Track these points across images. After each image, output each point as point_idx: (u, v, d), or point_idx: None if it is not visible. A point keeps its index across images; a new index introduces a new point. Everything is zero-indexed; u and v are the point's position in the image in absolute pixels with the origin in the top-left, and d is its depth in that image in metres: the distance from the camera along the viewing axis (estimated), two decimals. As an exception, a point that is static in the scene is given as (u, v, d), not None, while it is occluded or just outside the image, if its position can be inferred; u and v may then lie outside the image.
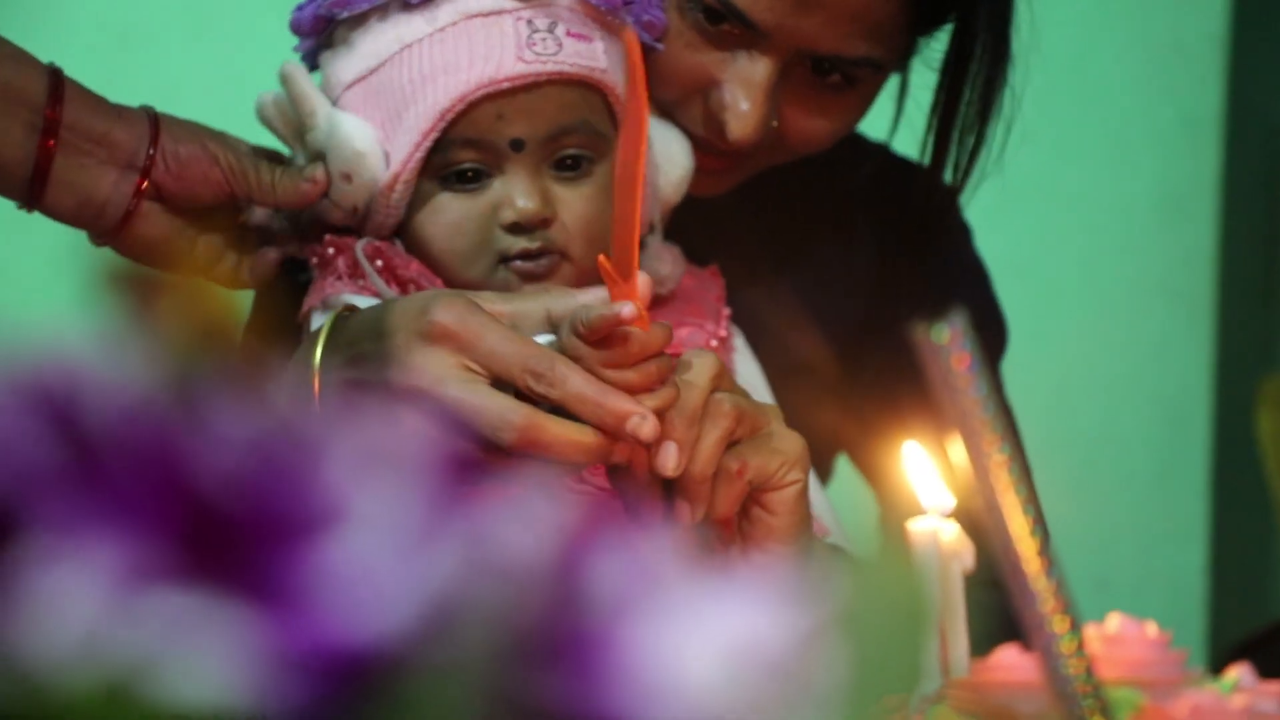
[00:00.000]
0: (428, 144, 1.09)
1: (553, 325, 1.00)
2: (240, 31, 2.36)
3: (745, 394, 1.02)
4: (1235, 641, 2.09)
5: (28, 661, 0.29)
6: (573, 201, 1.11)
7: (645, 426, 0.92)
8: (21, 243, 2.34)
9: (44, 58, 1.19)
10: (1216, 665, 1.15)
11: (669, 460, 0.94)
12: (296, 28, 1.15)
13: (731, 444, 0.98)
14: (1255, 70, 2.70)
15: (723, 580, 0.31)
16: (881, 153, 1.36)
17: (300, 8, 1.15)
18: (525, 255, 1.10)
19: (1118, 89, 2.65)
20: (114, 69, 2.42)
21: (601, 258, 0.94)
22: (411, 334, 0.95)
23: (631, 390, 0.93)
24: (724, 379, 0.99)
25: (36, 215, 1.13)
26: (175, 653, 0.30)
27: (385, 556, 0.31)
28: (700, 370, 0.97)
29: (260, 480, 0.31)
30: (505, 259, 1.11)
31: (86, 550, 0.30)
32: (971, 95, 1.23)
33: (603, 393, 0.93)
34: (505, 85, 1.09)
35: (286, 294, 1.17)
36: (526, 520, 0.31)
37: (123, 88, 2.38)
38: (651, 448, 0.94)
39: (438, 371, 0.93)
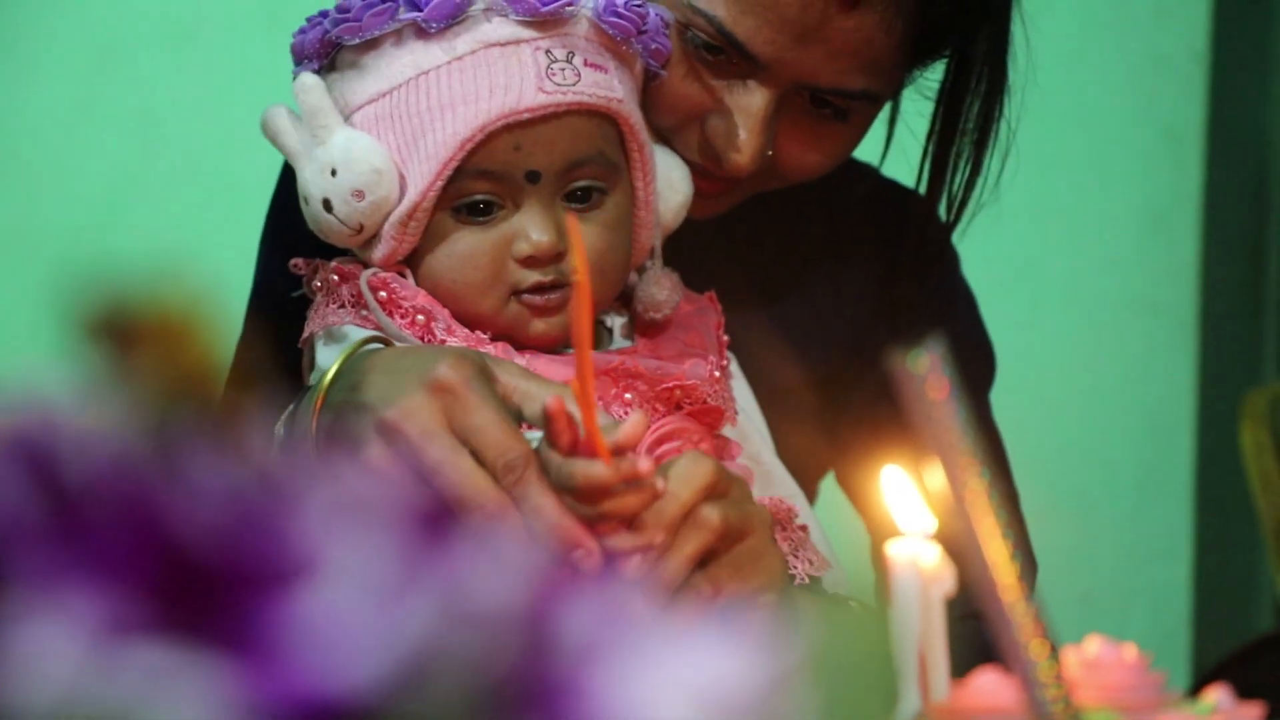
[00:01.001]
0: (448, 173, 1.08)
1: None
2: (220, 49, 2.36)
3: (743, 492, 1.00)
4: (1218, 657, 2.09)
5: (9, 714, 0.29)
6: (585, 234, 1.10)
7: (588, 562, 0.91)
8: (18, 307, 2.33)
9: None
10: (1200, 680, 1.15)
11: (630, 568, 0.93)
12: (299, 50, 1.13)
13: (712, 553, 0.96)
14: (1237, 84, 2.71)
15: (693, 630, 0.31)
16: (872, 175, 1.36)
17: (303, 31, 1.13)
18: (538, 288, 1.10)
19: (1100, 103, 2.66)
20: (95, 86, 2.43)
21: (574, 381, 0.91)
22: (415, 377, 0.94)
23: (588, 523, 0.92)
24: (719, 486, 0.96)
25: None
26: (155, 705, 0.30)
27: (362, 607, 0.31)
28: (688, 480, 0.95)
29: (239, 532, 0.31)
30: (517, 292, 1.10)
31: (66, 603, 0.30)
32: (968, 126, 1.23)
33: (559, 515, 0.91)
34: (526, 116, 1.07)
35: (282, 308, 1.17)
36: (499, 570, 0.31)
37: (103, 105, 2.39)
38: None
39: (426, 425, 0.93)
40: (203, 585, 0.31)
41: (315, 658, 0.30)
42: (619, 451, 0.92)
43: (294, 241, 1.17)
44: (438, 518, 0.32)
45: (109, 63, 2.34)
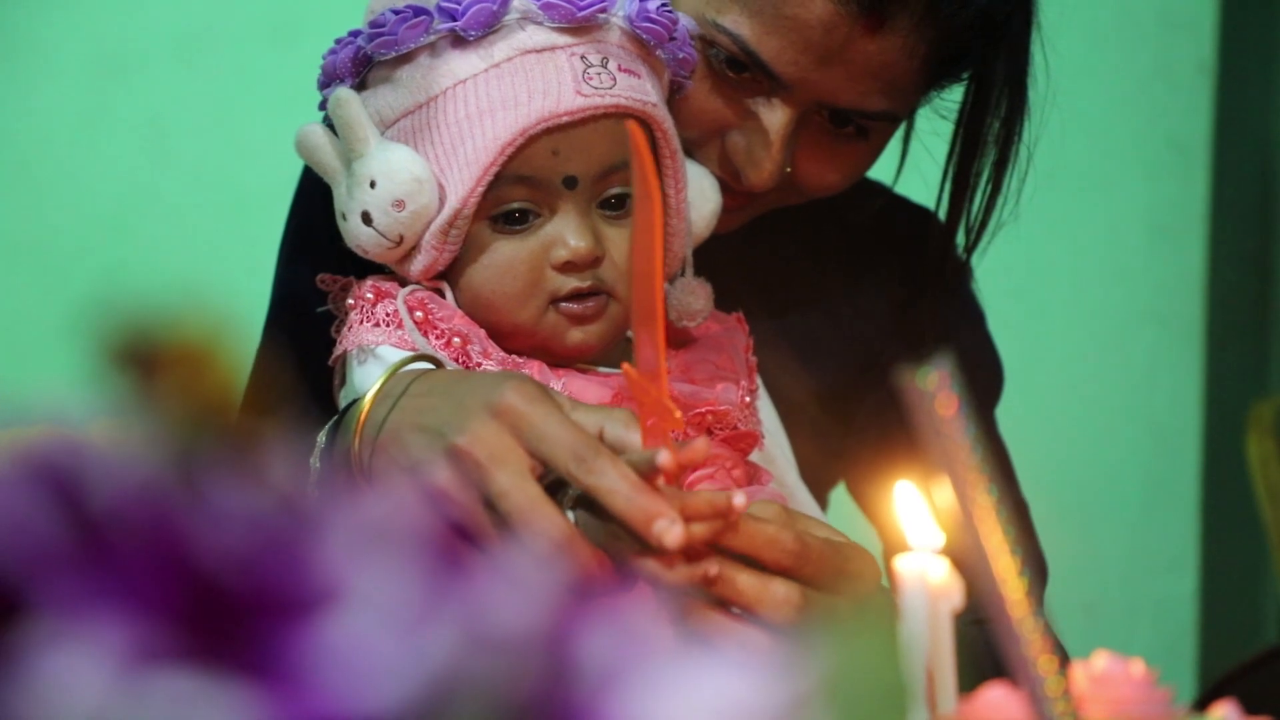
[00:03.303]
0: (488, 178, 1.09)
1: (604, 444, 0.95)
2: (228, 60, 2.37)
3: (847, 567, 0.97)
4: (1224, 669, 2.09)
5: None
6: (620, 240, 1.11)
7: (671, 533, 0.88)
8: (27, 319, 2.33)
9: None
10: (1205, 692, 1.15)
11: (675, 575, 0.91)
12: (331, 70, 1.13)
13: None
14: (1244, 96, 2.72)
15: (711, 653, 0.31)
16: (885, 193, 1.37)
17: (334, 51, 1.13)
18: (576, 296, 1.10)
19: (1107, 115, 2.66)
20: (103, 97, 2.44)
21: (626, 367, 0.91)
22: (481, 404, 0.94)
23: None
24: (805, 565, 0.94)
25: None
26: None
27: (389, 634, 0.31)
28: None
29: (267, 557, 0.31)
30: (555, 300, 1.10)
31: (92, 630, 0.30)
32: (988, 147, 1.23)
33: (636, 489, 0.89)
34: (565, 119, 1.08)
35: (304, 322, 1.17)
36: (532, 597, 0.31)
37: (112, 116, 2.39)
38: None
39: (494, 451, 0.92)
40: (230, 611, 0.31)
41: (344, 684, 0.30)
42: (682, 469, 0.92)
43: (315, 255, 1.17)
44: (470, 543, 0.32)
45: (117, 74, 2.35)
